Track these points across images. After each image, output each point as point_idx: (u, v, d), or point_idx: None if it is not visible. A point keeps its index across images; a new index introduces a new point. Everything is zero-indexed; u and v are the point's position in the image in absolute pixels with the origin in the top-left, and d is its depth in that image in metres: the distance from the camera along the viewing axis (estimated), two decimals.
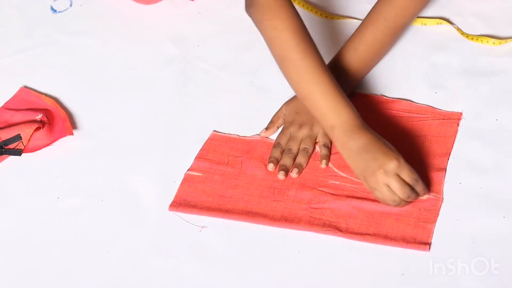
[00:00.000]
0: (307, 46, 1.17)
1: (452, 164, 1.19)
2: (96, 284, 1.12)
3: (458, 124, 1.24)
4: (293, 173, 1.19)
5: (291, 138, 1.22)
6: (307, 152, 1.21)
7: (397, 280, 1.07)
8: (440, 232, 1.11)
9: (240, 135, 1.26)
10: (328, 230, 1.12)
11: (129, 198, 1.21)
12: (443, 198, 1.15)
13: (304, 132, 1.23)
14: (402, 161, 1.11)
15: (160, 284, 1.11)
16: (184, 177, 1.21)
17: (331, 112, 1.15)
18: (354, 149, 1.13)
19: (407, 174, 1.11)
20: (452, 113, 1.25)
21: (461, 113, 1.25)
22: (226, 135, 1.26)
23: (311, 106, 1.17)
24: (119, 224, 1.18)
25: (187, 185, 1.20)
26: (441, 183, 1.17)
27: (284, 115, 1.26)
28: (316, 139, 1.23)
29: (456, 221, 1.12)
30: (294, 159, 1.21)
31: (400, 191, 1.10)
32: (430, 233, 1.11)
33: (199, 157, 1.23)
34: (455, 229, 1.11)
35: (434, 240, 1.11)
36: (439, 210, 1.13)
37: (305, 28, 1.19)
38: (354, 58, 1.27)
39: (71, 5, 1.53)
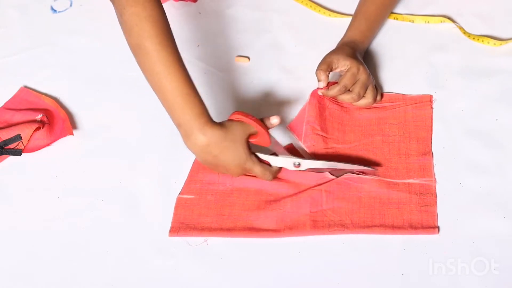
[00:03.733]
0: (165, 38, 1.13)
1: (452, 164, 1.19)
2: (96, 284, 1.12)
3: (431, 107, 1.25)
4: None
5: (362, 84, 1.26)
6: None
7: (397, 280, 1.07)
8: (440, 232, 1.11)
9: None
10: (335, 230, 1.12)
11: (129, 198, 1.21)
12: (435, 179, 1.16)
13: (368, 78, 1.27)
14: (249, 164, 1.15)
15: (160, 284, 1.11)
16: (176, 201, 1.19)
17: (178, 109, 1.13)
18: (196, 151, 1.14)
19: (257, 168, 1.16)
20: (422, 96, 1.28)
21: (431, 96, 1.27)
22: None
23: (161, 99, 1.14)
24: (119, 224, 1.18)
25: (182, 209, 1.18)
26: (430, 166, 1.18)
27: (338, 61, 1.26)
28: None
29: (456, 221, 1.12)
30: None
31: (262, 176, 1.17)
32: (434, 215, 1.12)
33: (190, 180, 1.21)
34: (455, 229, 1.11)
35: (434, 240, 1.11)
36: (435, 192, 1.15)
37: (166, 20, 1.16)
38: (360, 36, 1.32)
39: (71, 5, 1.53)
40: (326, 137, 1.23)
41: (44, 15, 1.52)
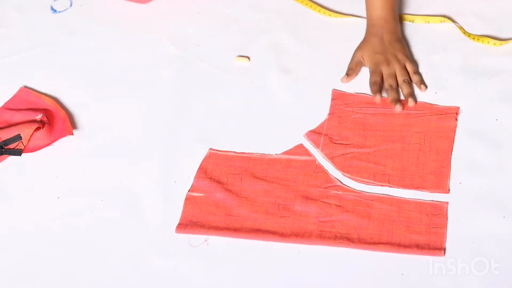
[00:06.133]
0: None
1: (452, 164, 1.19)
2: (96, 284, 1.12)
3: (456, 119, 1.24)
4: (410, 102, 1.27)
5: (386, 76, 1.29)
6: (408, 82, 1.29)
7: (397, 280, 1.07)
8: None
9: (237, 151, 1.24)
10: (340, 242, 1.11)
11: (129, 198, 1.21)
12: (448, 202, 1.14)
13: (394, 67, 1.30)
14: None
15: (160, 284, 1.11)
16: (186, 198, 1.19)
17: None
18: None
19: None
20: (449, 107, 1.26)
21: (458, 108, 1.26)
22: (223, 153, 1.24)
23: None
24: (119, 224, 1.18)
25: (191, 206, 1.18)
26: (447, 179, 1.17)
27: (364, 60, 1.33)
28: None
29: (456, 221, 1.12)
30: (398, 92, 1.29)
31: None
32: (443, 237, 1.10)
33: (198, 176, 1.21)
34: (455, 229, 1.11)
35: None
36: (447, 214, 1.13)
37: None
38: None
39: (71, 5, 1.53)
40: (346, 144, 1.23)
41: (44, 15, 1.52)
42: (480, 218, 1.12)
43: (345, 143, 1.23)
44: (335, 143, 1.23)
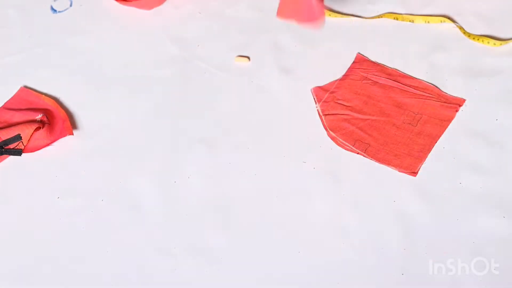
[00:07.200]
0: None
1: (452, 164, 1.19)
2: (96, 284, 1.12)
3: (456, 111, 1.25)
4: None
5: None
6: None
7: (397, 280, 1.07)
8: (440, 232, 1.11)
9: None
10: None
11: (129, 198, 1.21)
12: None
13: None
14: None
15: (160, 284, 1.11)
16: None
17: None
18: None
19: None
20: (456, 98, 1.27)
21: (464, 100, 1.26)
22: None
23: None
24: (119, 224, 1.18)
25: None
26: (420, 162, 1.19)
27: None
28: None
29: (456, 221, 1.12)
30: None
31: None
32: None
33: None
34: (455, 229, 1.11)
35: (434, 240, 1.11)
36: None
37: None
38: None
39: (71, 5, 1.53)
40: (345, 106, 1.26)
41: (44, 15, 1.52)
42: (480, 218, 1.12)
43: (345, 104, 1.26)
44: (336, 102, 1.26)
